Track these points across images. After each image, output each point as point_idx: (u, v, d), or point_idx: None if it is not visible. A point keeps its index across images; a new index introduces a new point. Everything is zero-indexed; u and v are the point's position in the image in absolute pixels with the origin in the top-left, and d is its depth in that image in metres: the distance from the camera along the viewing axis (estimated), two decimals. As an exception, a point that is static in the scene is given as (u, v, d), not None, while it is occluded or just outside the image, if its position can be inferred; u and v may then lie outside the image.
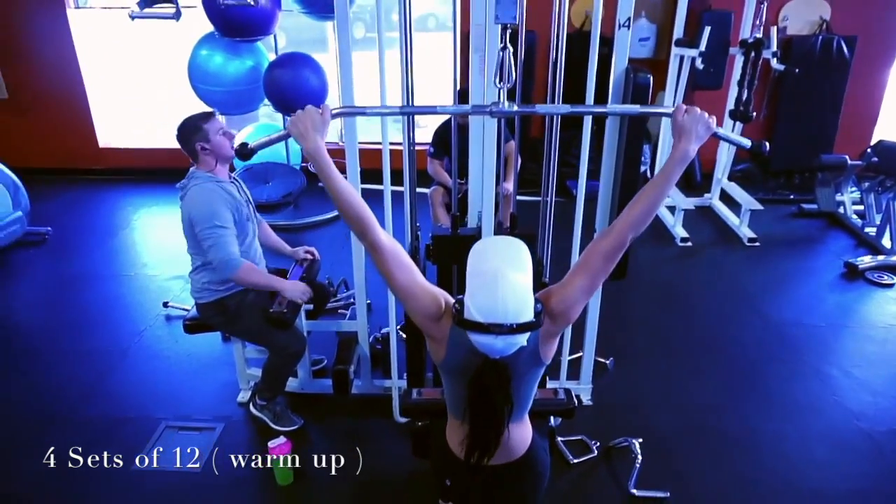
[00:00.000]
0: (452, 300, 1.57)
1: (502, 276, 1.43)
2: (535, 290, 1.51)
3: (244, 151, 1.65)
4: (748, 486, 2.51)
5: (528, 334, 1.46)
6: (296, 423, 2.80)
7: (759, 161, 1.60)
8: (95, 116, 5.78)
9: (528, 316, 1.44)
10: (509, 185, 3.12)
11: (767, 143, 1.65)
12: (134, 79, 6.27)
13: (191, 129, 2.41)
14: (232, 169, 2.71)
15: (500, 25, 1.86)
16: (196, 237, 2.42)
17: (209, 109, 2.47)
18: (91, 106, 5.72)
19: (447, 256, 2.58)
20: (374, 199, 2.59)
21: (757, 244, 4.61)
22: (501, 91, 1.70)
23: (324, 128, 1.55)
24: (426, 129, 5.57)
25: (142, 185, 5.66)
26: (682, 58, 4.80)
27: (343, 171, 2.59)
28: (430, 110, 1.85)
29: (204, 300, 2.58)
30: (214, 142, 2.41)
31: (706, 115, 1.52)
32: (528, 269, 1.51)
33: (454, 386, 1.63)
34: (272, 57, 4.66)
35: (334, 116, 1.59)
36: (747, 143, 1.66)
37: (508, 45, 1.73)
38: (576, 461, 2.61)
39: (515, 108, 1.67)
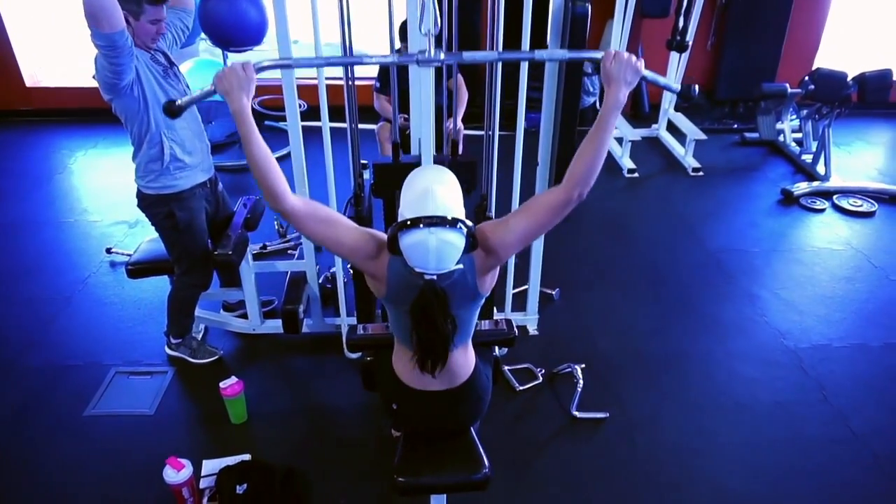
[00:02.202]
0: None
1: (431, 190, 1.51)
2: (476, 221, 1.57)
3: (172, 108, 1.63)
4: (679, 405, 2.68)
5: (462, 241, 1.48)
6: (214, 354, 2.86)
7: (687, 98, 1.63)
8: (19, 55, 5.41)
9: (459, 209, 1.52)
10: (455, 122, 3.09)
11: (696, 87, 1.67)
12: (61, 15, 5.86)
13: None
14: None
15: None
16: (114, 104, 2.29)
17: None
18: (13, 44, 5.34)
19: (389, 185, 2.56)
20: (317, 135, 2.56)
21: (701, 174, 4.73)
22: (429, 38, 1.67)
23: (249, 85, 1.52)
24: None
25: (76, 126, 5.40)
26: (629, -15, 4.74)
27: (282, 108, 2.55)
28: (357, 61, 1.84)
29: (152, 190, 2.44)
30: (140, 25, 2.21)
31: (633, 59, 1.52)
32: (457, 189, 1.59)
33: (398, 315, 1.69)
34: (206, -13, 4.41)
35: (258, 71, 1.55)
36: (676, 87, 1.67)
37: None
38: (522, 388, 2.73)
39: (442, 55, 1.65)
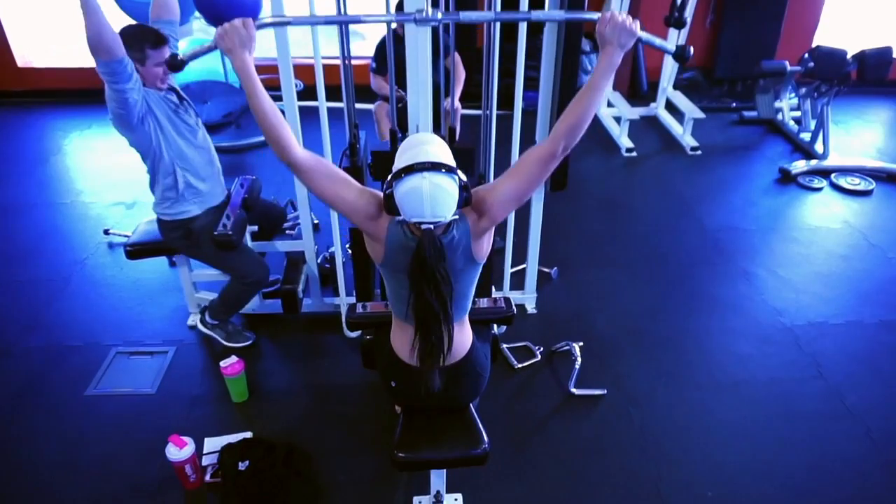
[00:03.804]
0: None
1: (423, 146, 1.54)
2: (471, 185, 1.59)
3: (175, 63, 1.65)
4: (676, 381, 2.70)
5: (455, 187, 1.50)
6: (248, 339, 2.87)
7: (681, 60, 1.63)
8: (10, 34, 5.35)
9: (451, 163, 1.52)
10: (452, 101, 3.08)
11: (692, 48, 1.66)
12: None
13: (134, 44, 2.23)
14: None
15: None
16: (130, 139, 2.36)
17: (164, 33, 2.32)
18: (4, 24, 5.28)
19: (387, 172, 2.57)
20: (313, 116, 2.55)
21: (699, 152, 4.73)
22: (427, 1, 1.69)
23: (250, 43, 1.56)
24: (368, 42, 5.39)
25: (71, 106, 5.35)
26: (628, -39, 4.70)
27: (278, 87, 2.53)
28: (354, 19, 1.82)
29: (168, 216, 2.53)
30: (147, 70, 2.30)
31: (629, 21, 1.51)
32: (448, 150, 1.60)
33: (396, 284, 1.70)
34: (199, -36, 4.35)
35: (258, 28, 1.57)
36: (671, 47, 1.67)
37: None
38: (520, 365, 2.75)
39: (440, 14, 1.67)
